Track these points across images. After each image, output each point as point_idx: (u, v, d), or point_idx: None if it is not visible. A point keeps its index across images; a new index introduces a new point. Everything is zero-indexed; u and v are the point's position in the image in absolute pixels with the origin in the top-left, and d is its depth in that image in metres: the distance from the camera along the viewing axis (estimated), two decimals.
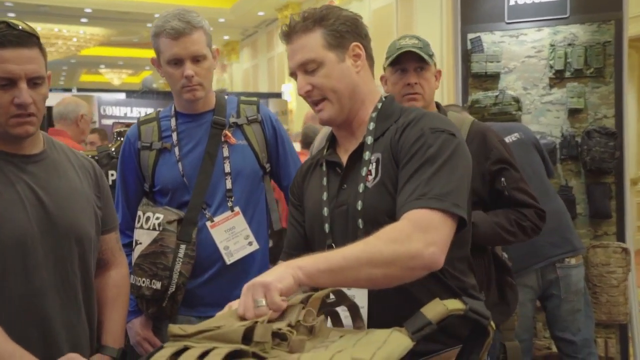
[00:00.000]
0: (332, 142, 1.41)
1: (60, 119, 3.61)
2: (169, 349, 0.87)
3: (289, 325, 0.94)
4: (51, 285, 1.37)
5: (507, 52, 3.43)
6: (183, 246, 1.77)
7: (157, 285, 1.74)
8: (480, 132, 1.88)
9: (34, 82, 1.32)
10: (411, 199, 1.13)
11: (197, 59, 1.75)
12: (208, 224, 1.81)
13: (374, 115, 1.33)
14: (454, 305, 1.00)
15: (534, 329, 2.84)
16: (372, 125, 1.31)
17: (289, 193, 2.00)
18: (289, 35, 1.30)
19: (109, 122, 6.95)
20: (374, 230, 1.20)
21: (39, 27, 14.62)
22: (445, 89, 4.28)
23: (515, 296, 1.97)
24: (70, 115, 3.55)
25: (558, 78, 3.36)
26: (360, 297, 1.25)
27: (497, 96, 3.39)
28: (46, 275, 1.36)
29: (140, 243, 1.80)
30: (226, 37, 15.74)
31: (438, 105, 2.00)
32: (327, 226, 1.30)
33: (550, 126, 3.41)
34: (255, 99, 2.00)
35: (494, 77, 3.44)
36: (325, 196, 1.33)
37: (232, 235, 1.82)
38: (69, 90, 8.21)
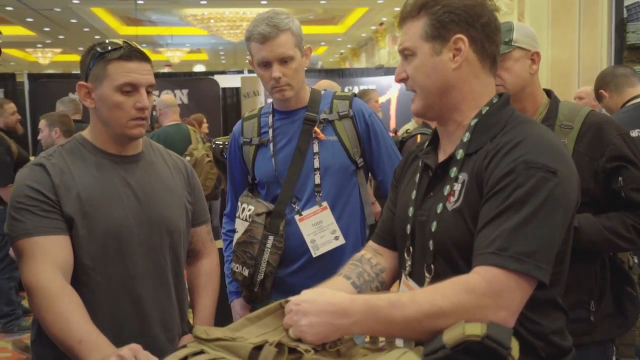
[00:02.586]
0: (435, 136, 1.32)
1: None
2: (187, 349, 0.98)
3: (314, 347, 1.00)
4: (144, 270, 1.57)
5: None
6: (271, 237, 1.89)
7: (246, 272, 1.90)
8: (595, 125, 1.68)
9: (148, 90, 1.55)
10: (488, 250, 1.04)
11: (284, 61, 1.83)
12: (296, 217, 1.90)
13: (473, 123, 1.19)
14: (472, 330, 0.96)
15: None
16: (467, 136, 1.18)
17: (383, 187, 2.02)
18: (401, 20, 1.25)
19: None
20: (441, 255, 1.17)
21: (227, 12, 15.96)
22: (599, 64, 3.80)
23: (636, 308, 1.76)
24: None
25: None
26: None
27: None
28: (140, 261, 1.56)
29: (237, 232, 1.97)
30: (397, 9, 15.62)
31: (549, 92, 1.82)
32: (408, 227, 1.26)
33: None
34: (349, 94, 2.02)
35: None
36: (414, 195, 1.28)
37: (319, 229, 1.90)
38: (240, 72, 8.92)
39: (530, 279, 1.03)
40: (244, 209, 1.95)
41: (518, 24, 1.79)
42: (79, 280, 1.47)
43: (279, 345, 0.95)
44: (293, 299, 1.06)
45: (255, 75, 8.25)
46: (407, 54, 1.22)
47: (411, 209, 1.26)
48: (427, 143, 1.33)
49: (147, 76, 1.53)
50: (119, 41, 1.54)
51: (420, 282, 1.21)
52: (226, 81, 8.60)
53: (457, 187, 1.16)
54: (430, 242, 1.18)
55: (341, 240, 1.90)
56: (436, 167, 1.23)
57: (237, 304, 2.04)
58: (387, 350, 1.00)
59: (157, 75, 7.89)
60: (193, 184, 1.74)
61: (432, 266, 1.18)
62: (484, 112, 1.20)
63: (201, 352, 0.95)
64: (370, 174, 2.07)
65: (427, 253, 1.19)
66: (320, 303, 1.02)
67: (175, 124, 4.59)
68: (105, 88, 1.50)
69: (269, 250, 1.89)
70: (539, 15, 6.02)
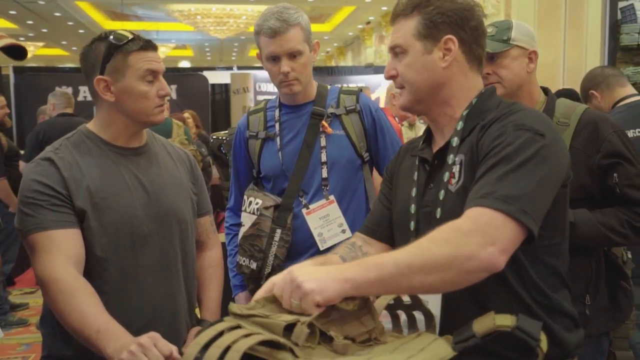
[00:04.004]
0: (429, 133, 1.36)
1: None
2: (225, 323, 0.99)
3: (346, 336, 0.99)
4: (154, 260, 1.57)
5: None
6: (279, 230, 1.90)
7: (253, 265, 1.91)
8: (591, 122, 1.72)
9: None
10: (475, 197, 1.07)
11: (293, 55, 1.84)
12: (304, 210, 1.92)
13: (465, 113, 1.25)
14: (503, 320, 0.98)
15: None
16: (460, 125, 1.24)
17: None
18: (393, 17, 1.30)
19: (264, 97, 7.43)
20: None
21: (214, 8, 15.88)
22: (584, 66, 3.86)
23: (629, 302, 1.81)
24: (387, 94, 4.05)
25: None
26: (434, 304, 1.21)
27: None
28: (150, 251, 1.56)
29: (244, 225, 1.98)
30: (384, 8, 15.66)
31: (546, 90, 1.87)
32: (412, 224, 1.29)
33: None
34: (356, 88, 2.04)
35: None
36: (414, 192, 1.31)
37: (326, 222, 1.91)
38: (230, 68, 8.89)
39: (516, 223, 1.03)
40: (250, 202, 1.96)
41: (517, 23, 1.84)
42: (92, 272, 1.47)
43: (311, 325, 0.96)
44: (279, 276, 1.05)
45: (244, 72, 8.31)
46: (398, 51, 1.26)
47: (413, 206, 1.29)
48: (422, 140, 1.37)
49: (161, 64, 1.58)
50: (128, 33, 1.55)
51: None
52: (215, 77, 8.57)
53: (455, 169, 1.21)
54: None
55: (348, 234, 1.92)
56: (433, 157, 1.28)
57: (241, 298, 2.05)
58: (417, 335, 1.02)
59: None
60: (196, 174, 1.75)
61: None
62: (474, 102, 1.26)
63: (238, 326, 0.96)
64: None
65: None
66: (309, 268, 1.05)
67: None
68: (129, 79, 1.52)
69: (277, 243, 1.90)
70: (526, 17, 6.09)
